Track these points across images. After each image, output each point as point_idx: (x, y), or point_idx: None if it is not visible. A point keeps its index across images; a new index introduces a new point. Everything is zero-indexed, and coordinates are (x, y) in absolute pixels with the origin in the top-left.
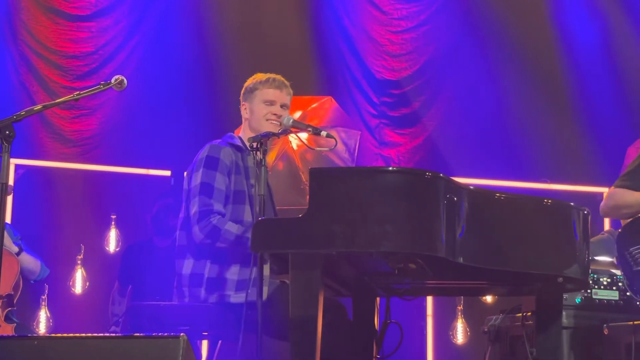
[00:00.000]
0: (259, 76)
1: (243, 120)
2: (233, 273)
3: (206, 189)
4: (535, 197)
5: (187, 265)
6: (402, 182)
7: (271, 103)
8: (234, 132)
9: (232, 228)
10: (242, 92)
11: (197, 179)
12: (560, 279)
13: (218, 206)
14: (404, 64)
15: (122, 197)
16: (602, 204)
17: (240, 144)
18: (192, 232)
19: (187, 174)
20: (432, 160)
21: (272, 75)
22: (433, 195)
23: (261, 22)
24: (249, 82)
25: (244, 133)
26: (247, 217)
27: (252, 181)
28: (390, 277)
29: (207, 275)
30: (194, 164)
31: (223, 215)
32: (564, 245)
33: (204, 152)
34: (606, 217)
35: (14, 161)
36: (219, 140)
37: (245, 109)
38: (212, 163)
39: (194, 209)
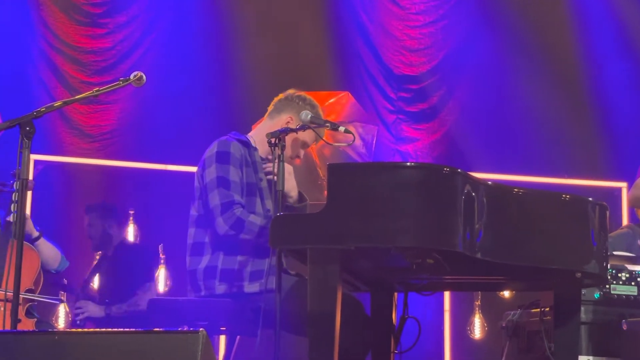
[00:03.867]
0: (320, 110)
1: (273, 121)
2: (246, 264)
3: (223, 182)
4: (554, 192)
5: (203, 260)
6: (420, 177)
7: (305, 146)
8: (251, 127)
9: (256, 220)
10: (293, 99)
11: (212, 174)
12: (578, 274)
13: (238, 197)
14: (423, 59)
15: (141, 192)
16: (629, 194)
17: (246, 139)
18: (216, 224)
19: (197, 173)
20: (450, 155)
21: (328, 119)
22: (451, 190)
23: (278, 17)
24: (313, 106)
25: (263, 133)
26: (259, 209)
27: (261, 175)
28: (407, 273)
29: (220, 266)
30: (203, 162)
31: (243, 206)
32: (582, 241)
33: (212, 149)
34: (633, 207)
35: (33, 157)
36: (226, 136)
37: (289, 124)
38: (223, 157)
39: (214, 202)
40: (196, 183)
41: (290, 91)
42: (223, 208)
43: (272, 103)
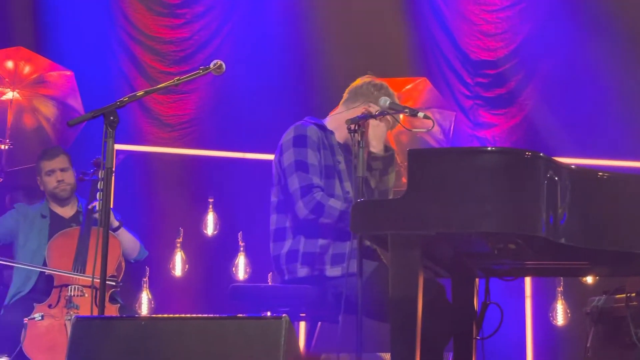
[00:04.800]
0: (396, 98)
1: (348, 111)
2: (328, 248)
3: (301, 165)
4: (639, 175)
5: (286, 245)
6: (502, 162)
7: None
8: (328, 113)
9: (336, 204)
10: (369, 88)
11: (290, 158)
12: None
13: (317, 180)
14: (500, 43)
15: (219, 180)
16: None
17: (322, 123)
18: (296, 208)
19: (275, 159)
20: (529, 140)
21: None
22: (533, 174)
23: (354, 4)
24: (389, 95)
25: (338, 120)
26: (337, 191)
27: (339, 157)
28: (489, 258)
29: (302, 250)
30: (281, 147)
31: (322, 189)
32: None
33: (289, 133)
34: None
35: (115, 146)
36: (302, 121)
37: (368, 110)
38: (300, 141)
39: (294, 186)
40: (274, 169)
41: (367, 78)
42: (303, 192)
43: (347, 90)
